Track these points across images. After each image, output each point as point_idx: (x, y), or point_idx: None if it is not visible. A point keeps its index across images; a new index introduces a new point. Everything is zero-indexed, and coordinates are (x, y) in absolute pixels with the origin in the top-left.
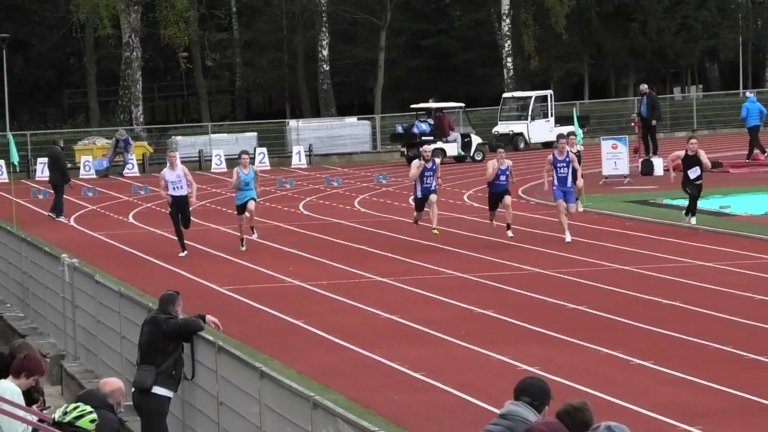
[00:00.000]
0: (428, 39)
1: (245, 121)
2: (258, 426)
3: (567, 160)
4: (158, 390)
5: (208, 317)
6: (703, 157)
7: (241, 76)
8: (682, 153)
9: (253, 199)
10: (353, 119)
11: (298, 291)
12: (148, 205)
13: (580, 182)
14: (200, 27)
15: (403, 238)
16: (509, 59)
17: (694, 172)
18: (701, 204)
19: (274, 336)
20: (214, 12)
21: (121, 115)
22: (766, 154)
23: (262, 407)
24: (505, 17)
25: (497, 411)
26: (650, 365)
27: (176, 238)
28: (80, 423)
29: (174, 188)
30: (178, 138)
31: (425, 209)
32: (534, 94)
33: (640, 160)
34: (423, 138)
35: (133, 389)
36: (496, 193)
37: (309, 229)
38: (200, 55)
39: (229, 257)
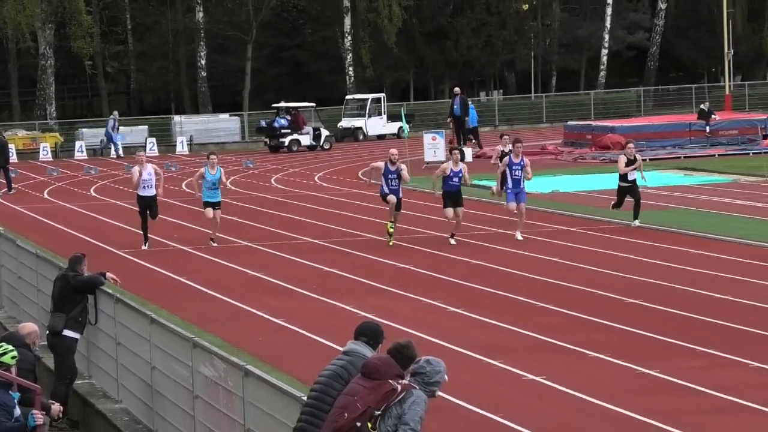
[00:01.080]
0: (286, 52)
1: (138, 117)
2: (149, 362)
3: (522, 163)
4: (68, 333)
5: (108, 274)
6: (640, 159)
7: (135, 81)
8: (624, 158)
9: (218, 205)
10: (226, 116)
11: (181, 253)
12: (60, 184)
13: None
14: (102, 40)
15: (266, 211)
16: (351, 68)
17: (632, 174)
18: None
19: (162, 290)
20: (113, 28)
21: (37, 111)
22: (476, 144)
23: (152, 347)
24: (347, 35)
25: (341, 348)
26: (462, 312)
27: (141, 231)
28: (2, 359)
29: (144, 186)
30: (84, 130)
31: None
32: (370, 96)
33: None
34: (282, 131)
35: (47, 332)
36: (448, 192)
37: (189, 203)
38: (102, 63)
39: (125, 226)
